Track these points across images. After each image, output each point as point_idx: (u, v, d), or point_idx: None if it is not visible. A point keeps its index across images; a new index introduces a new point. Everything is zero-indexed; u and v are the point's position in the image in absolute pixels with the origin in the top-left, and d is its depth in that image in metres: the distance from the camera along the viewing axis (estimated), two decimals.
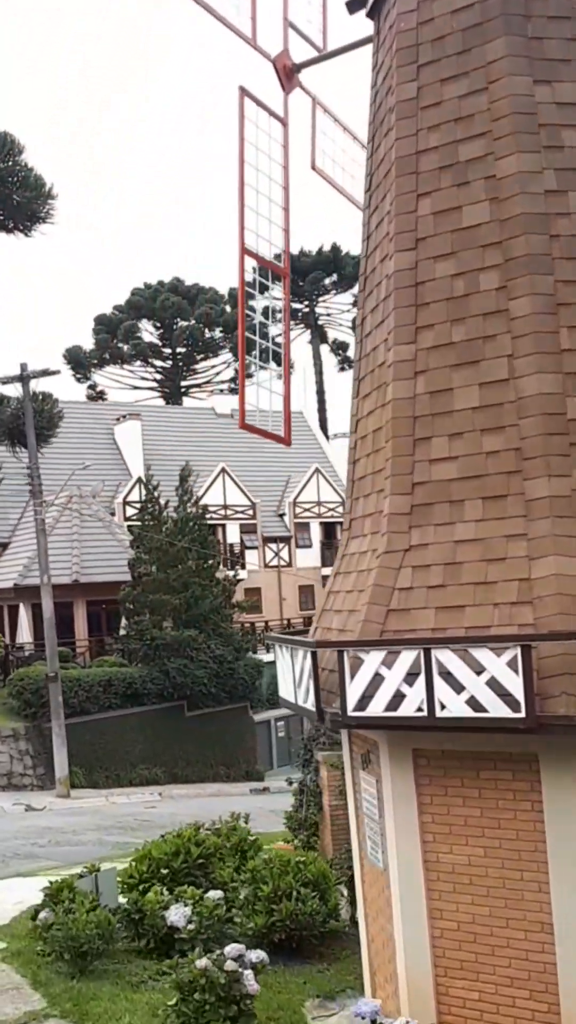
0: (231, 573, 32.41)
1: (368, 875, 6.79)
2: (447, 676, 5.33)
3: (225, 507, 41.20)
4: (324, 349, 68.63)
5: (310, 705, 6.15)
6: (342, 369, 68.64)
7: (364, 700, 5.63)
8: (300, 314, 68.58)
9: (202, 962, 5.92)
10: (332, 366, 68.78)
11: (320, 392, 66.01)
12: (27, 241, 27.90)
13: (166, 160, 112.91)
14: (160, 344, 65.00)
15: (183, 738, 28.49)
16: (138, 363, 64.53)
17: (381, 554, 6.03)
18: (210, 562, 29.58)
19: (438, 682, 5.33)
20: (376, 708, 5.56)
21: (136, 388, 64.12)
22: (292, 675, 6.61)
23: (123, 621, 30.72)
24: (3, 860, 14.08)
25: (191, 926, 7.55)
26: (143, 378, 64.83)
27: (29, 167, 26.48)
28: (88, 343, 63.16)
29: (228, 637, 29.57)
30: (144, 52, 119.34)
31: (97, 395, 62.74)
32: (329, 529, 45.31)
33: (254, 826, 19.53)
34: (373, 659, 5.60)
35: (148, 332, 64.20)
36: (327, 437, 53.57)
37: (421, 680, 5.38)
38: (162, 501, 30.61)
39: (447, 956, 5.81)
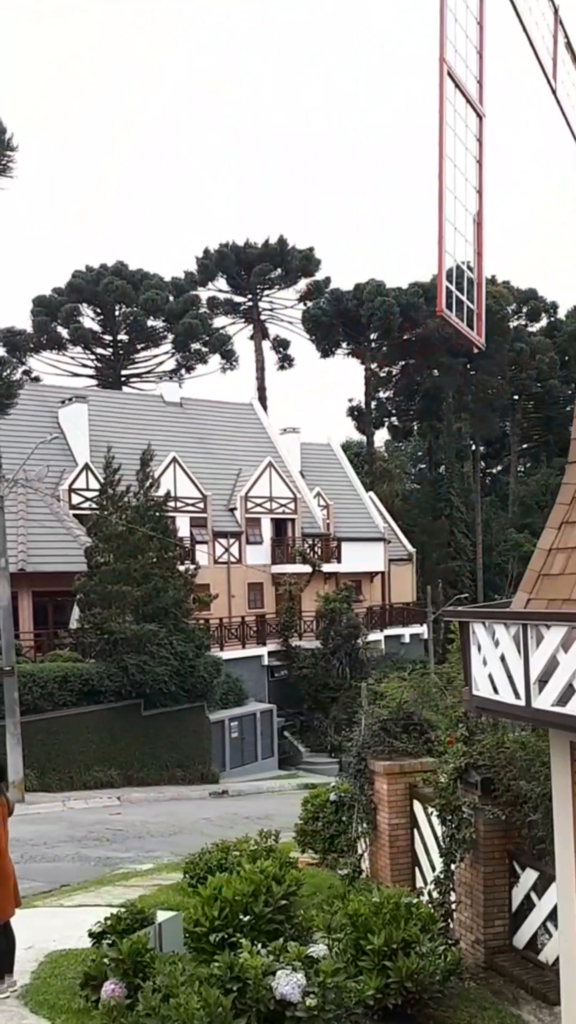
0: (192, 566, 30.76)
1: None
2: None
3: (175, 499, 39.42)
4: (266, 345, 67.06)
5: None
6: (282, 367, 67.31)
7: None
8: (243, 308, 67.01)
9: None
10: (272, 363, 67.34)
11: (261, 389, 64.44)
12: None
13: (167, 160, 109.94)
14: (100, 331, 62.62)
15: (139, 739, 26.73)
16: (77, 349, 62.05)
17: None
18: (172, 552, 27.89)
19: None
20: None
21: (75, 375, 61.62)
22: (517, 666, 5.03)
23: (75, 614, 28.78)
24: None
25: (310, 1000, 5.79)
26: (84, 364, 62.37)
27: None
28: (25, 325, 60.39)
29: (189, 633, 27.91)
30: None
31: (32, 381, 59.95)
32: (280, 525, 43.90)
33: (238, 834, 18.05)
34: None
35: (88, 317, 61.77)
36: None
37: None
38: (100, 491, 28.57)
39: None
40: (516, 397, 67.61)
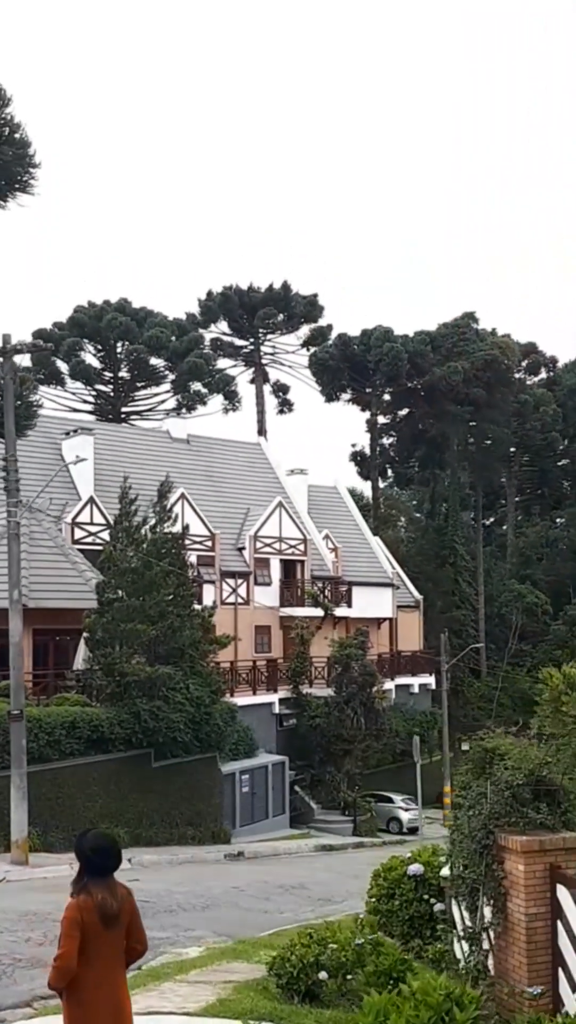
0: (209, 604, 28.87)
1: None
2: None
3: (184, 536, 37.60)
4: (266, 389, 65.91)
5: None
6: (281, 412, 66.13)
7: None
8: (244, 351, 66.04)
9: None
10: (272, 407, 66.18)
11: (261, 432, 63.02)
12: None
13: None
14: (101, 367, 61.27)
15: (148, 793, 24.59)
16: (77, 384, 60.52)
17: None
18: (192, 589, 26.02)
19: None
20: None
21: (75, 410, 59.97)
22: None
23: (80, 653, 26.77)
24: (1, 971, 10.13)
25: None
26: (84, 400, 60.86)
27: (16, 122, 23.09)
28: (24, 359, 58.77)
29: (206, 677, 25.92)
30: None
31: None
32: (289, 567, 42.11)
33: (278, 907, 15.98)
34: None
35: (89, 353, 60.44)
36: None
37: None
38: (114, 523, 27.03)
39: None
40: (513, 449, 66.84)
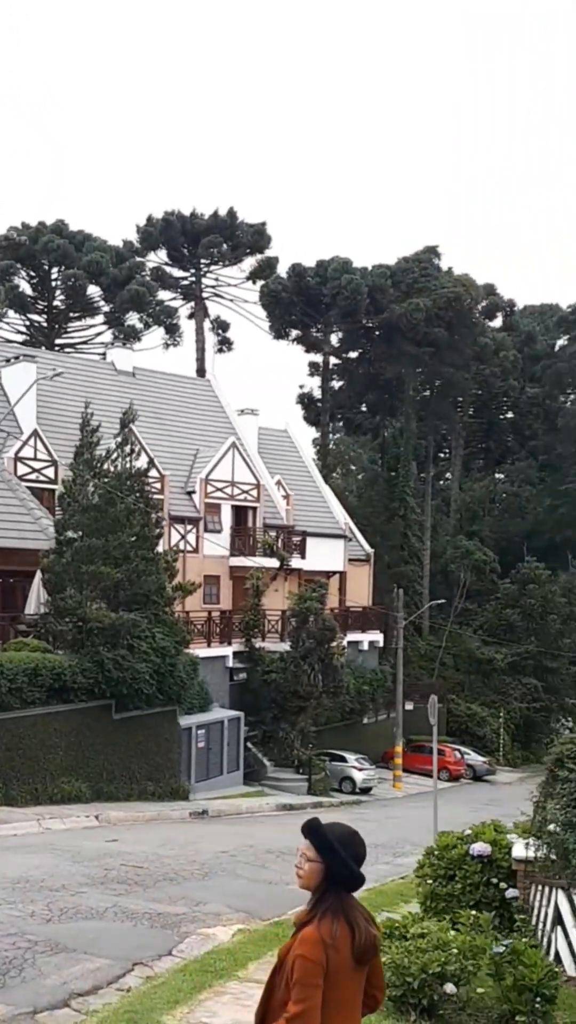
0: (172, 548, 26.74)
1: None
2: None
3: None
4: (207, 325, 62.78)
5: None
6: (220, 350, 63.11)
7: None
8: (183, 283, 62.64)
9: None
10: (212, 345, 63.11)
11: (200, 372, 60.17)
12: None
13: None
14: (34, 295, 57.43)
15: (109, 746, 22.61)
16: (9, 313, 56.54)
17: None
18: (157, 530, 23.85)
19: None
20: None
21: (8, 341, 55.99)
22: None
23: (32, 597, 24.38)
24: (10, 962, 8.13)
25: None
26: (18, 331, 56.94)
27: None
28: None
29: (171, 626, 23.90)
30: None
31: None
32: (240, 514, 40.09)
33: (280, 876, 14.33)
34: None
35: (23, 279, 56.48)
36: None
37: None
38: (61, 461, 24.66)
39: None
40: (460, 399, 65.11)
